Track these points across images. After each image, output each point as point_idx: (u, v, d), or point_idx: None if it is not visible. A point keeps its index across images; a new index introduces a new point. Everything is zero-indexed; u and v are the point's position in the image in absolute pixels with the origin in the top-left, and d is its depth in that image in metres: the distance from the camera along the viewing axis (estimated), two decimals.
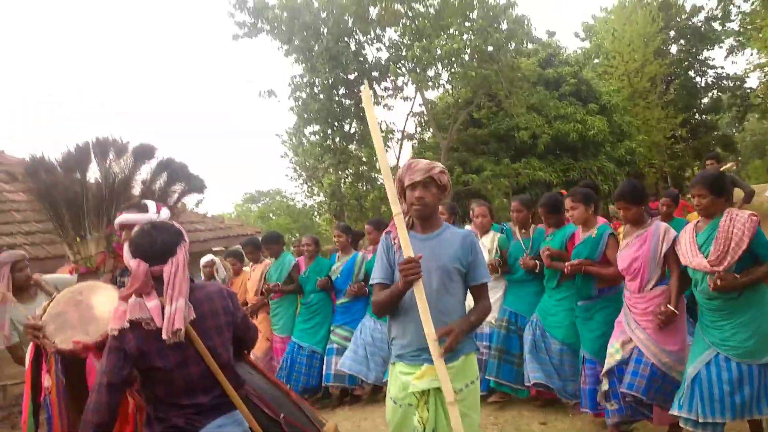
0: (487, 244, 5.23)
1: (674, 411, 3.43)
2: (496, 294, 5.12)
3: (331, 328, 5.99)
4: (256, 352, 6.21)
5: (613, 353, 3.88)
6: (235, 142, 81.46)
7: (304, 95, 17.05)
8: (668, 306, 3.59)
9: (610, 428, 4.01)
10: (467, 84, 16.83)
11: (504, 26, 15.95)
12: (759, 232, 3.24)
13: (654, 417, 3.88)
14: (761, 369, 3.26)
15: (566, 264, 4.23)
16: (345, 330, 5.86)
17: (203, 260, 6.99)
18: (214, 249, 11.68)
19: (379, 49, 17.13)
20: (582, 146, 18.44)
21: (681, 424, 3.42)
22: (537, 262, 4.77)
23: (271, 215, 31.47)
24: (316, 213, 23.40)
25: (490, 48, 15.77)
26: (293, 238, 24.79)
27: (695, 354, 3.45)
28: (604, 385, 3.93)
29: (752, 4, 22.26)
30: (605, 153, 18.96)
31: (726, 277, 3.20)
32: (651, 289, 3.77)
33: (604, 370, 3.94)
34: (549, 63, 19.97)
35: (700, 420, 3.29)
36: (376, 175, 18.20)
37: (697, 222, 3.56)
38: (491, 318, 5.02)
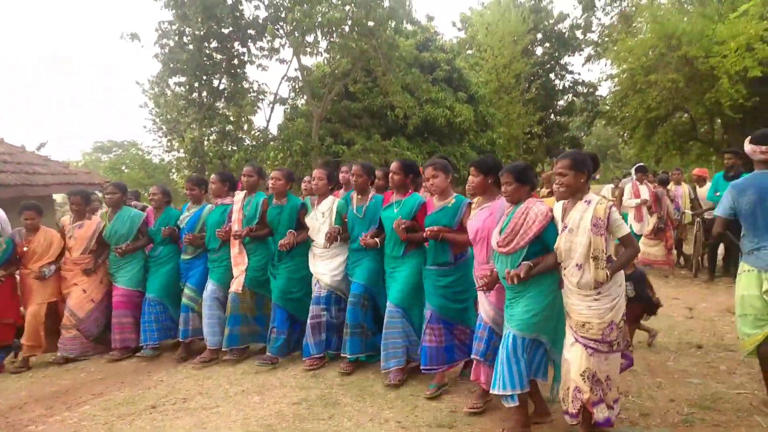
0: (325, 209, 5.20)
1: (492, 391, 3.63)
2: (339, 258, 5.15)
3: (181, 286, 5.88)
4: (78, 313, 5.83)
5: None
6: (87, 87, 74.50)
7: (171, 43, 15.92)
8: (492, 270, 3.79)
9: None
10: (346, 55, 16.66)
11: (386, 3, 15.93)
12: (551, 224, 3.51)
13: (482, 378, 3.96)
14: (535, 343, 3.58)
15: (427, 229, 4.28)
16: (190, 289, 5.77)
17: None
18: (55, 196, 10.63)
19: (257, 7, 16.45)
20: (449, 132, 19.06)
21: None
22: (377, 240, 4.80)
23: (123, 168, 29.25)
24: (174, 169, 22.13)
25: (371, 23, 15.68)
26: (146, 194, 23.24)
27: (504, 329, 3.71)
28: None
29: (611, 18, 24.21)
30: (469, 141, 19.77)
31: (520, 273, 3.42)
32: None
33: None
34: (426, 47, 20.31)
35: (500, 393, 3.53)
36: (243, 135, 17.54)
37: (510, 207, 3.77)
38: (329, 280, 5.10)
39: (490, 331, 3.88)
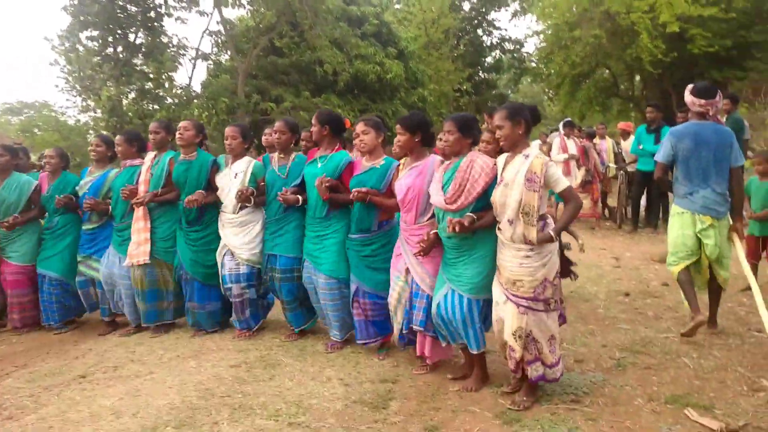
0: (239, 170, 4.77)
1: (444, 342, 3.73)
2: (254, 229, 4.75)
3: (79, 258, 5.32)
4: None
5: (401, 285, 3.91)
6: None
7: None
8: (431, 233, 3.65)
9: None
10: (270, 7, 16.03)
11: None
12: (496, 177, 3.41)
13: (426, 351, 3.92)
14: (486, 303, 3.54)
15: (353, 190, 4.06)
16: (95, 261, 5.25)
17: None
18: None
19: None
20: (379, 88, 18.87)
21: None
22: (299, 197, 4.47)
23: (36, 130, 27.45)
24: (91, 130, 20.92)
25: None
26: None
27: (437, 288, 3.64)
28: (399, 319, 3.98)
29: None
30: (400, 98, 19.65)
31: (464, 222, 3.31)
32: (427, 221, 3.80)
33: (392, 302, 3.97)
34: (353, 0, 19.85)
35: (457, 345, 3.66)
36: (164, 93, 16.70)
37: (449, 162, 3.65)
38: (247, 255, 4.70)
39: (429, 299, 3.75)
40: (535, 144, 12.08)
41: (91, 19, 14.94)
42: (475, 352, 3.55)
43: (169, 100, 16.64)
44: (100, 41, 15.53)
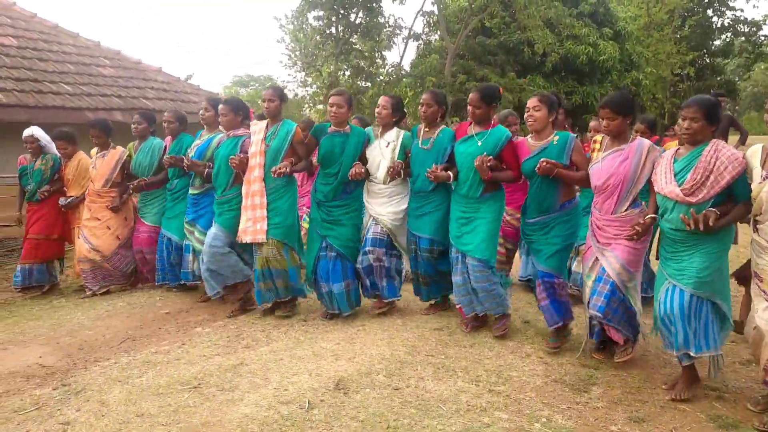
0: (390, 140, 4.68)
1: (667, 350, 3.42)
2: (402, 202, 4.69)
3: (185, 221, 5.34)
4: (103, 250, 5.67)
5: (587, 281, 3.77)
6: (224, 21, 77.61)
7: None
8: (647, 218, 3.42)
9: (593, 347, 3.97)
10: None
11: None
12: (743, 172, 3.07)
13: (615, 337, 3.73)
14: (709, 304, 3.21)
15: (540, 161, 3.78)
16: (199, 232, 5.17)
17: (24, 134, 5.88)
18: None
19: None
20: (590, 71, 18.03)
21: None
22: (451, 174, 4.28)
23: (260, 101, 30.75)
24: (307, 104, 22.84)
25: None
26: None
27: (657, 286, 3.39)
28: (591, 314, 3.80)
29: None
30: (611, 81, 18.59)
31: (709, 221, 3.02)
32: (625, 211, 3.56)
33: (585, 299, 3.81)
34: None
35: (675, 354, 3.32)
36: (374, 71, 17.66)
37: (678, 149, 3.36)
38: (390, 224, 4.63)
39: (612, 287, 3.55)
40: (758, 147, 10.58)
41: (319, 1, 16.22)
42: (693, 354, 3.23)
43: (380, 78, 17.54)
44: (325, 21, 16.81)
